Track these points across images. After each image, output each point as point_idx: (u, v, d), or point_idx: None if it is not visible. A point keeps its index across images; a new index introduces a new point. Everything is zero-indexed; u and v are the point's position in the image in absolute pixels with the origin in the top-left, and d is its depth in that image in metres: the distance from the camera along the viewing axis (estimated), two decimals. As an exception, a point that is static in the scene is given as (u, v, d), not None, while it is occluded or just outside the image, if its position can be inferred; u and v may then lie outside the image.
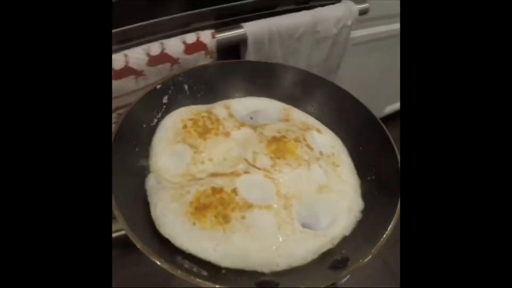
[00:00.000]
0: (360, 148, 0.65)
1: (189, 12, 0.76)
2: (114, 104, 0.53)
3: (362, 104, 0.65)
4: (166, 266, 0.43)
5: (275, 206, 0.55)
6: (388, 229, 0.49)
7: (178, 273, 0.43)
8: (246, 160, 0.60)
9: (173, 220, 0.52)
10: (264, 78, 0.73)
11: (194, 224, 0.51)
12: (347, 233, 0.55)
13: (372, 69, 1.25)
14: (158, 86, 0.64)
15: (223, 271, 0.49)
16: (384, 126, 0.61)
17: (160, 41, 0.71)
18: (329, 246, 0.53)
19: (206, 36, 0.74)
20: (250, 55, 0.82)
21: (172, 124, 0.64)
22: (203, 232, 0.51)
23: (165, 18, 0.73)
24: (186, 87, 0.69)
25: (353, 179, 0.63)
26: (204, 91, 0.71)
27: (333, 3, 0.91)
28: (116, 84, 0.68)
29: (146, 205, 0.55)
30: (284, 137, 0.64)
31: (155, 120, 0.65)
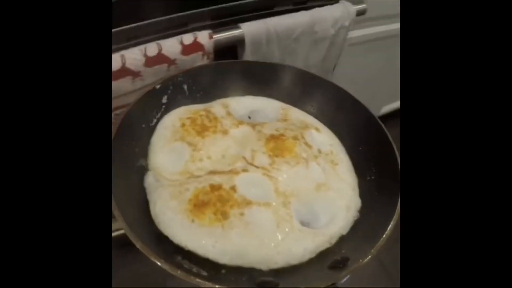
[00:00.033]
0: (360, 148, 0.65)
1: (186, 12, 0.75)
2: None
3: (361, 104, 0.65)
4: (166, 266, 0.43)
5: (274, 203, 0.55)
6: (388, 229, 0.49)
7: (178, 273, 0.43)
8: (244, 158, 0.60)
9: (172, 218, 0.52)
10: (263, 78, 0.73)
11: (193, 221, 0.52)
12: (344, 232, 0.55)
13: (369, 69, 1.25)
14: (158, 86, 0.64)
15: (223, 271, 0.49)
16: (383, 126, 0.61)
17: (157, 41, 0.71)
18: (327, 245, 0.54)
19: (203, 37, 0.74)
20: (248, 55, 0.82)
21: (171, 123, 0.64)
22: (202, 229, 0.51)
23: (162, 18, 0.73)
24: (185, 87, 0.69)
25: (351, 177, 0.63)
26: (203, 91, 0.71)
27: (331, 4, 0.91)
28: (113, 84, 0.68)
29: (145, 204, 0.55)
30: (282, 135, 0.64)
31: (155, 120, 0.65)
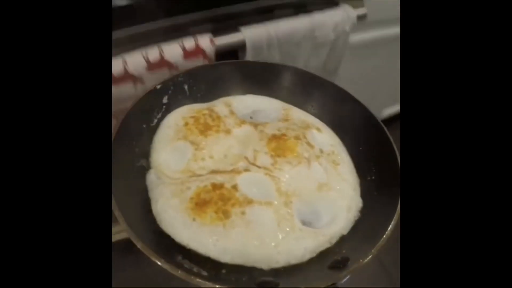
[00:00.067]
0: (360, 148, 0.65)
1: (187, 17, 0.75)
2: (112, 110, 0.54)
3: (362, 104, 0.65)
4: (166, 266, 0.43)
5: (275, 202, 0.55)
6: (388, 229, 0.49)
7: (179, 273, 0.43)
8: (246, 158, 0.60)
9: (174, 216, 0.52)
10: (263, 78, 0.73)
11: (194, 219, 0.52)
12: (345, 232, 0.55)
13: (369, 72, 1.25)
14: (158, 86, 0.64)
15: (223, 271, 0.49)
16: (384, 126, 0.61)
17: (159, 45, 0.71)
18: (327, 245, 0.54)
19: (205, 42, 0.75)
20: (249, 60, 0.82)
21: (174, 122, 0.65)
22: (203, 227, 0.51)
23: (164, 22, 0.73)
24: (186, 87, 0.69)
25: (353, 178, 0.63)
26: (204, 91, 0.71)
27: (331, 8, 0.91)
28: (114, 90, 0.68)
29: (146, 205, 0.55)
30: (284, 135, 0.64)
31: (155, 121, 0.65)
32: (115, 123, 0.56)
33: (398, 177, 0.54)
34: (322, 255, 0.53)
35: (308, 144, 0.64)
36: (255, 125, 0.66)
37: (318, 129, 0.68)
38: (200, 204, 0.53)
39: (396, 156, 0.56)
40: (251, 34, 0.80)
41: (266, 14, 0.84)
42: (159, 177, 0.58)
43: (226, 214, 0.52)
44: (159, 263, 0.43)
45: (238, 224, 0.52)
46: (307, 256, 0.52)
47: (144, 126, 0.63)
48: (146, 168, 0.60)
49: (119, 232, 0.69)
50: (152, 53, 0.70)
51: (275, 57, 0.86)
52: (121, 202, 0.47)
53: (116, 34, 0.68)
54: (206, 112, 0.67)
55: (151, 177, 0.58)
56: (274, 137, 0.63)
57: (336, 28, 0.90)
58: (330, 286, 0.45)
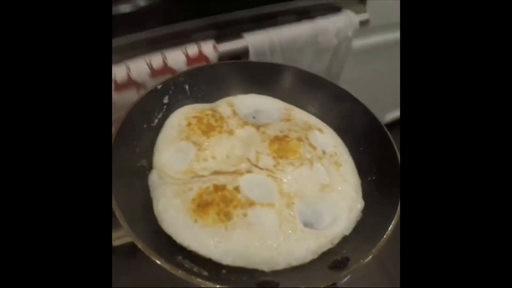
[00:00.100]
0: (361, 148, 0.65)
1: (191, 23, 0.76)
2: (114, 116, 0.54)
3: (362, 105, 0.65)
4: (166, 266, 0.43)
5: (277, 204, 0.55)
6: (389, 229, 0.49)
7: (179, 273, 0.43)
8: (248, 159, 0.60)
9: (175, 217, 0.52)
10: (264, 78, 0.73)
11: (196, 221, 0.52)
12: (347, 233, 0.55)
13: (372, 77, 1.25)
14: (159, 86, 0.64)
15: (224, 271, 0.49)
16: (384, 126, 0.61)
17: (162, 52, 0.71)
18: (329, 246, 0.54)
19: (208, 48, 0.75)
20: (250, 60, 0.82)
21: (177, 122, 0.65)
22: (204, 229, 0.51)
23: (167, 29, 0.73)
24: (187, 87, 0.69)
25: (355, 179, 0.63)
26: (204, 91, 0.71)
27: (334, 14, 0.91)
28: (118, 96, 0.68)
29: (147, 205, 0.55)
30: (286, 136, 0.64)
31: (156, 121, 0.65)
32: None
33: (398, 177, 0.53)
34: (323, 255, 0.53)
35: (311, 145, 0.64)
36: (258, 126, 0.66)
37: (320, 130, 0.68)
38: (202, 205, 0.53)
39: (396, 156, 0.56)
40: (254, 40, 0.80)
41: (269, 20, 0.85)
42: (161, 177, 0.58)
43: (228, 216, 0.52)
44: (159, 262, 0.43)
45: (240, 226, 0.51)
46: (308, 258, 0.52)
47: (145, 126, 0.63)
48: (147, 168, 0.60)
49: (122, 237, 0.70)
50: (156, 60, 0.71)
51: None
52: (122, 202, 0.47)
53: (120, 41, 0.69)
54: (209, 112, 0.67)
55: (153, 177, 0.58)
56: (276, 139, 0.63)
57: (339, 33, 0.90)
58: (330, 286, 0.45)
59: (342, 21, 0.90)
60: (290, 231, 0.53)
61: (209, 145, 0.61)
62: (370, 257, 0.46)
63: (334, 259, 0.51)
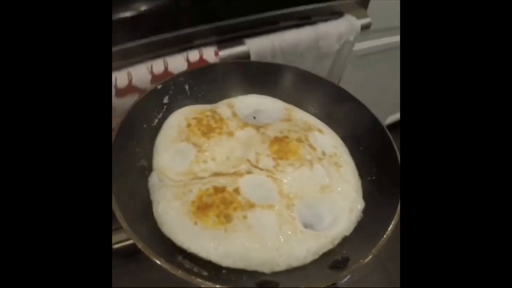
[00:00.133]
0: (361, 148, 0.65)
1: (192, 29, 0.76)
2: (115, 121, 0.54)
3: (362, 105, 0.65)
4: (166, 266, 0.43)
5: (277, 205, 0.55)
6: (389, 229, 0.49)
7: (179, 273, 0.43)
8: (248, 161, 0.60)
9: (175, 219, 0.52)
10: (264, 78, 0.73)
11: (196, 223, 0.52)
12: (347, 233, 0.55)
13: (372, 80, 1.25)
14: (159, 86, 0.64)
15: (224, 271, 0.49)
16: (384, 126, 0.61)
17: (163, 58, 0.71)
18: (329, 246, 0.53)
19: (209, 54, 0.75)
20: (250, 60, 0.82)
21: (177, 123, 0.65)
22: (204, 231, 0.51)
23: (168, 35, 0.73)
24: (187, 87, 0.69)
25: (355, 179, 0.62)
26: (204, 91, 0.71)
27: (336, 19, 0.91)
28: (119, 101, 0.68)
29: (147, 205, 0.55)
30: (286, 137, 0.64)
31: (156, 120, 0.65)
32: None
33: (398, 177, 0.53)
34: (323, 256, 0.53)
35: (310, 146, 0.64)
36: (257, 128, 0.66)
37: (320, 131, 0.68)
38: (202, 207, 0.53)
39: (396, 156, 0.56)
40: (255, 46, 0.80)
41: (270, 25, 0.84)
42: (161, 180, 0.58)
43: (228, 218, 0.52)
44: (159, 263, 0.43)
45: (240, 228, 0.51)
46: (309, 258, 0.52)
47: (145, 126, 0.62)
48: (147, 168, 0.60)
49: (122, 241, 0.70)
50: (157, 65, 0.71)
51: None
52: (122, 202, 0.47)
53: (121, 47, 0.68)
54: (209, 113, 0.67)
55: (153, 179, 0.58)
56: (276, 140, 0.64)
57: (340, 38, 0.90)
58: (330, 286, 0.45)
59: (344, 26, 0.90)
60: (290, 233, 0.53)
61: (209, 146, 0.61)
62: (370, 257, 0.46)
63: (334, 259, 0.51)
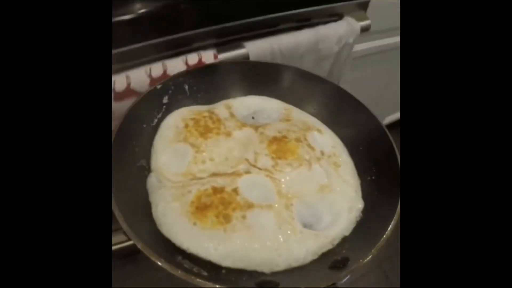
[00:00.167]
0: (360, 148, 0.65)
1: (191, 32, 0.75)
2: (113, 125, 0.54)
3: (362, 104, 0.65)
4: (166, 266, 0.43)
5: (276, 205, 0.55)
6: (388, 229, 0.49)
7: (178, 273, 0.42)
8: (247, 160, 0.60)
9: (174, 220, 0.52)
10: (264, 78, 0.73)
11: (195, 224, 0.51)
12: (347, 233, 0.55)
13: (372, 80, 1.26)
14: (158, 86, 0.64)
15: (223, 271, 0.49)
16: (384, 126, 0.61)
17: (162, 61, 0.71)
18: (329, 246, 0.53)
19: (208, 57, 0.75)
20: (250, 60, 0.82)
21: (174, 123, 0.64)
22: (204, 231, 0.51)
23: (167, 38, 0.73)
24: (186, 87, 0.69)
25: (354, 179, 0.62)
26: (204, 91, 0.71)
27: (335, 21, 0.91)
28: (117, 105, 0.68)
29: (146, 205, 0.55)
30: (285, 137, 0.64)
31: (155, 120, 0.65)
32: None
33: (398, 177, 0.53)
34: (323, 256, 0.53)
35: (309, 146, 0.64)
36: (256, 127, 0.66)
37: (319, 131, 0.68)
38: (200, 208, 0.53)
39: (396, 156, 0.56)
40: (255, 49, 0.80)
41: (270, 28, 0.84)
42: (160, 180, 0.58)
43: (227, 218, 0.52)
44: (159, 263, 0.43)
45: (239, 229, 0.51)
46: (309, 258, 0.52)
47: (144, 126, 0.62)
48: (146, 168, 0.60)
49: (122, 242, 0.70)
50: (156, 69, 0.70)
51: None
52: (121, 202, 0.47)
53: (119, 50, 0.68)
54: (207, 114, 0.67)
55: (151, 180, 0.58)
56: (275, 139, 0.64)
57: (340, 40, 0.90)
58: (330, 286, 0.45)
59: (343, 28, 0.90)
60: (289, 232, 0.53)
61: (206, 146, 0.61)
62: (370, 257, 0.46)
63: (334, 259, 0.51)
